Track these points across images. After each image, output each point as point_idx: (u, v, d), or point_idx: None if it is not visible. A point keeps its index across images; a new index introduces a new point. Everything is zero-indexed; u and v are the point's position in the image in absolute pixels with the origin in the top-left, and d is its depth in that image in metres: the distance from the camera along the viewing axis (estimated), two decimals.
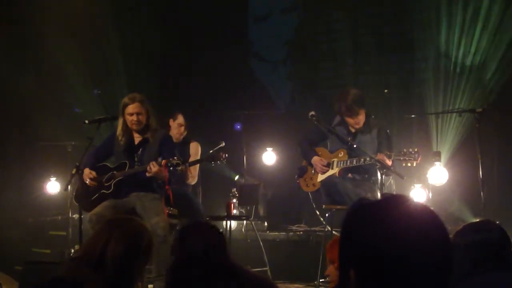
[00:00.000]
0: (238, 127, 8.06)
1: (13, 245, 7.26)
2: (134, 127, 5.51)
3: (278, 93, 9.37)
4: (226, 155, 5.64)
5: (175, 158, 5.20)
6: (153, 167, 5.19)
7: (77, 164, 5.36)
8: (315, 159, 6.10)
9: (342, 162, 5.95)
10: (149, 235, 2.75)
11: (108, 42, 8.63)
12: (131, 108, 5.47)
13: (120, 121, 5.57)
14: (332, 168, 6.01)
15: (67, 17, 8.28)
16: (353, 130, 5.99)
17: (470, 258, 2.39)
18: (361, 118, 5.91)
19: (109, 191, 5.49)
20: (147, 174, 5.27)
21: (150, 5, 9.16)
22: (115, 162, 5.68)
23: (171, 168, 5.19)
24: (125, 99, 5.53)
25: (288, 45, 9.35)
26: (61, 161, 7.85)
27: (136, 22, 8.98)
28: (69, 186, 5.71)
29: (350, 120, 5.93)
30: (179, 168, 5.22)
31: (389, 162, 5.54)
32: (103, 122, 5.57)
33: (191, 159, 6.51)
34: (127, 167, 5.51)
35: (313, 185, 6.15)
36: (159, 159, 5.37)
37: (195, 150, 6.70)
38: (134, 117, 5.46)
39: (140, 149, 5.57)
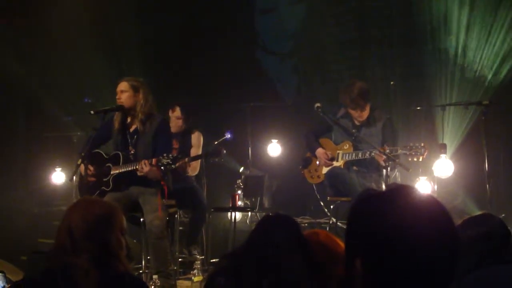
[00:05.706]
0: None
1: (18, 235, 7.28)
2: (118, 102, 5.41)
3: (284, 85, 9.35)
4: (225, 151, 5.52)
5: (165, 156, 5.05)
6: (145, 167, 5.11)
7: (82, 154, 5.33)
8: (319, 152, 6.08)
9: (347, 155, 5.93)
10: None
11: (114, 33, 8.62)
12: (117, 87, 5.42)
13: None
14: (337, 161, 5.99)
15: (74, 9, 8.29)
16: (357, 123, 5.97)
17: (473, 252, 2.39)
18: (366, 112, 5.90)
19: (109, 188, 5.41)
20: (139, 174, 5.19)
21: None
22: (112, 148, 5.58)
23: (162, 168, 5.13)
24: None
25: (295, 38, 9.33)
26: (66, 151, 7.87)
27: (142, 15, 8.97)
28: (74, 177, 5.70)
29: (353, 113, 5.91)
30: (173, 166, 5.13)
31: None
32: (109, 112, 5.53)
33: (193, 150, 6.44)
34: (120, 159, 5.39)
35: (318, 176, 6.14)
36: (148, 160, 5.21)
37: (197, 140, 6.57)
38: (117, 95, 5.39)
39: (135, 137, 5.45)
